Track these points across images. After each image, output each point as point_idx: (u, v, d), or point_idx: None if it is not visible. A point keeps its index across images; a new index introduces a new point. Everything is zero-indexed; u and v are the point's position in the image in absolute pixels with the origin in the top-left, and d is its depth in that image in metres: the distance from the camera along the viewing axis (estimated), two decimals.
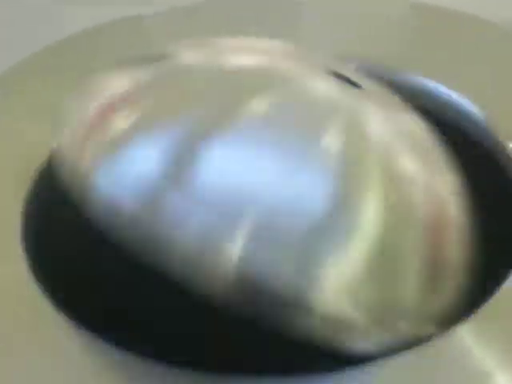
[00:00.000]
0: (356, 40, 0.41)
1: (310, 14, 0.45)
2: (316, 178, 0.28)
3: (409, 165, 0.30)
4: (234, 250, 0.27)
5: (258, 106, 0.29)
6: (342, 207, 0.28)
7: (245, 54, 0.33)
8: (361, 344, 0.29)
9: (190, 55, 0.32)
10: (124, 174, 0.29)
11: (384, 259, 0.29)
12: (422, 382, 0.29)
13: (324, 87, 0.31)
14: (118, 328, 0.32)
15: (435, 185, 0.31)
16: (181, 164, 0.28)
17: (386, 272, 0.29)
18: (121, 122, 0.29)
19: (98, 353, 0.30)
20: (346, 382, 0.28)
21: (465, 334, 0.30)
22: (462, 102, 0.39)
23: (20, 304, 0.32)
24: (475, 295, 0.32)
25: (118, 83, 0.31)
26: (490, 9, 0.43)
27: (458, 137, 0.38)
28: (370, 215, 0.28)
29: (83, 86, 0.32)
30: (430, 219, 0.30)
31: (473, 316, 0.30)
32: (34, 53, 0.42)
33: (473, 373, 0.29)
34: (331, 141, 0.29)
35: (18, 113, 0.40)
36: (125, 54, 0.35)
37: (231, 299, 0.28)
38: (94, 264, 0.38)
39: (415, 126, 0.32)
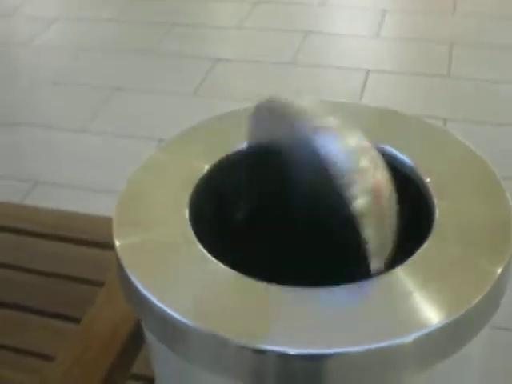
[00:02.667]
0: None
1: None
2: None
3: None
4: None
5: None
6: None
7: None
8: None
9: None
10: None
11: None
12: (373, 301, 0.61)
13: None
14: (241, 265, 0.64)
15: None
16: None
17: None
18: None
19: (224, 276, 0.62)
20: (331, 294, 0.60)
21: (401, 272, 0.62)
22: (404, 158, 0.72)
23: (182, 248, 0.64)
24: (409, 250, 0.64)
25: None
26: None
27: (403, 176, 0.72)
28: None
29: None
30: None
31: (407, 262, 0.63)
32: (193, 125, 0.79)
33: (405, 297, 0.60)
34: None
35: (189, 152, 0.75)
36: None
37: None
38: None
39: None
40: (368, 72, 2.54)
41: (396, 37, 2.83)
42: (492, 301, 0.62)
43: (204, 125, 0.79)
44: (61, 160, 2.19)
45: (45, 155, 2.22)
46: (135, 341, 0.89)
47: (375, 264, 0.62)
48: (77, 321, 0.96)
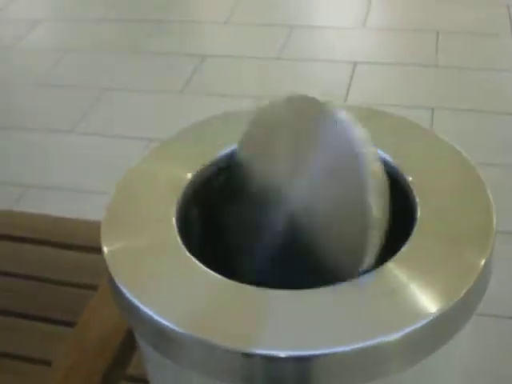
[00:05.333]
0: None
1: None
2: None
3: None
4: None
5: None
6: None
7: None
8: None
9: None
10: None
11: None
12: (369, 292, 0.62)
13: None
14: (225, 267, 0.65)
15: None
16: None
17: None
18: None
19: (211, 281, 0.63)
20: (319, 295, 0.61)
21: (387, 270, 0.63)
22: (387, 157, 0.73)
23: (170, 254, 0.65)
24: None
25: None
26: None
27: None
28: None
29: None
30: None
31: (392, 260, 0.64)
32: (180, 130, 0.79)
33: (397, 289, 0.61)
34: None
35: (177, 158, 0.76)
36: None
37: None
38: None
39: None
40: (355, 64, 2.55)
41: (382, 27, 2.83)
42: (477, 292, 0.63)
43: (191, 129, 0.80)
44: (51, 163, 2.19)
45: (34, 159, 2.22)
46: (130, 342, 0.90)
47: (373, 239, 0.63)
48: (73, 325, 0.97)
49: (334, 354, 0.56)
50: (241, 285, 0.62)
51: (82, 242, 1.18)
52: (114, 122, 2.36)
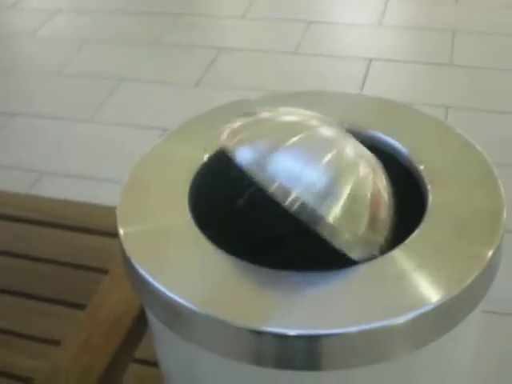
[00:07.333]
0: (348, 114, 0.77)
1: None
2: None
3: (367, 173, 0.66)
4: None
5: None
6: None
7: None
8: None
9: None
10: None
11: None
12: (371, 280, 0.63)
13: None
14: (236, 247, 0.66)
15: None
16: None
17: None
18: None
19: (223, 261, 0.64)
20: (328, 279, 0.62)
21: (396, 255, 0.64)
22: (398, 144, 0.74)
23: (183, 235, 0.67)
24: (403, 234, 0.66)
25: None
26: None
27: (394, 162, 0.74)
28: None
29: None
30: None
31: (401, 246, 0.65)
32: (194, 116, 0.82)
33: (401, 277, 0.63)
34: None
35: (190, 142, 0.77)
36: None
37: None
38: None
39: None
40: (370, 61, 2.55)
41: (398, 25, 2.84)
42: (483, 282, 0.64)
43: (205, 115, 0.82)
44: (66, 150, 2.21)
45: (50, 145, 2.24)
46: (139, 326, 0.92)
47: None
48: (83, 307, 0.98)
49: (343, 334, 0.58)
50: (252, 265, 0.63)
51: (93, 225, 1.20)
52: (130, 111, 2.38)
